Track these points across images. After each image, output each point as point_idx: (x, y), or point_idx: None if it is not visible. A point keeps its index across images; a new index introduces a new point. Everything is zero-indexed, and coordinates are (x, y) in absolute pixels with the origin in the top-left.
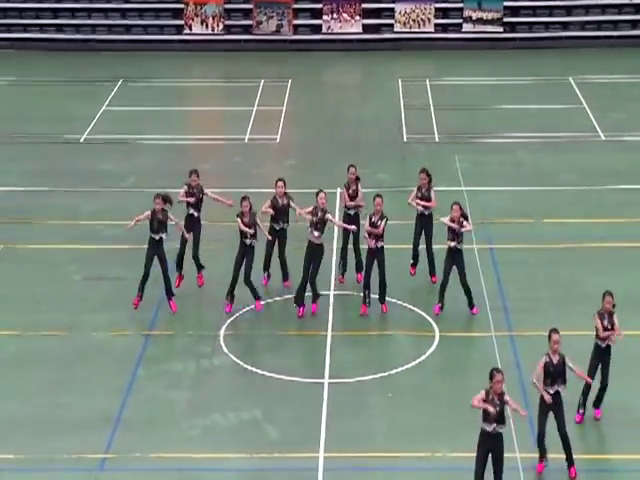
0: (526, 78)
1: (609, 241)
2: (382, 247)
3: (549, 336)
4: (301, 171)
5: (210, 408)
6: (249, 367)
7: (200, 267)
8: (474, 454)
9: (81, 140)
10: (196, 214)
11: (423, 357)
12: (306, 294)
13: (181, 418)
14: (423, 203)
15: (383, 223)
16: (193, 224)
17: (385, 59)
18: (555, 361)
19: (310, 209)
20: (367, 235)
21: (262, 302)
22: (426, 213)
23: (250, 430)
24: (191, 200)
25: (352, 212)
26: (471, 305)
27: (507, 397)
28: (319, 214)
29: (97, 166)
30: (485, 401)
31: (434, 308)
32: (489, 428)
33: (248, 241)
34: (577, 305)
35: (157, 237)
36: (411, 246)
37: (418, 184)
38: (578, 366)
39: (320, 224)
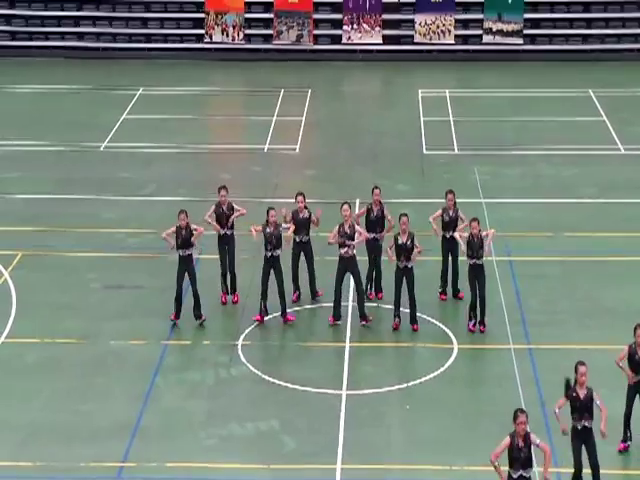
0: (546, 90)
1: (629, 255)
2: (412, 267)
3: (575, 368)
4: (321, 181)
5: (227, 418)
6: (267, 377)
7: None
8: (491, 467)
9: (101, 148)
10: (228, 232)
11: (441, 369)
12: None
13: (198, 428)
14: (463, 237)
15: (415, 243)
16: (227, 242)
17: (405, 70)
18: (582, 395)
19: (335, 231)
20: (395, 257)
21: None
22: (456, 236)
23: (267, 441)
24: (217, 227)
25: (377, 237)
26: (482, 322)
27: (533, 437)
28: (347, 230)
29: (117, 174)
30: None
31: (468, 325)
32: (515, 475)
33: (269, 253)
34: (597, 319)
35: (183, 253)
36: (432, 261)
37: (443, 206)
38: (604, 403)
39: (350, 239)
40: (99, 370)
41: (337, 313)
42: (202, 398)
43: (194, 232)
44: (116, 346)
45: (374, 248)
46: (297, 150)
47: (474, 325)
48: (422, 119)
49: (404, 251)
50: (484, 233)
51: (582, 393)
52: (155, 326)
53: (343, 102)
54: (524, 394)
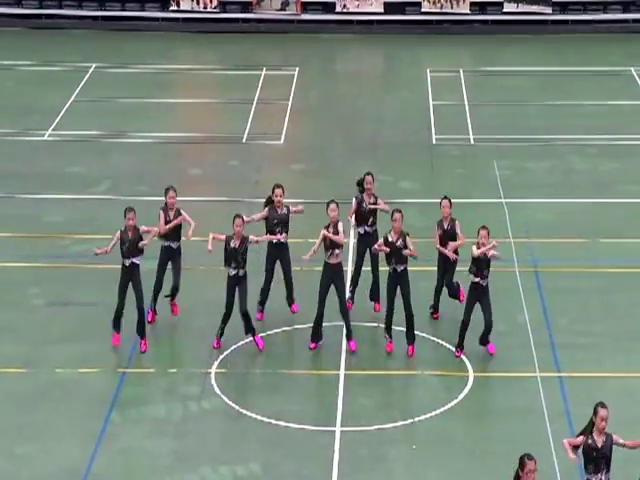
0: (580, 69)
1: None
2: (405, 270)
3: (595, 411)
4: (310, 177)
5: (198, 460)
6: (245, 411)
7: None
8: None
9: (45, 137)
10: (174, 245)
11: (454, 402)
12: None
13: (163, 472)
14: (451, 253)
15: (409, 244)
16: (171, 255)
17: (411, 45)
18: (600, 443)
19: (318, 241)
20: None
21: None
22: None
23: None
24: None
25: (370, 230)
26: (485, 342)
27: None
28: (332, 232)
29: (64, 168)
30: None
31: (456, 351)
32: None
33: (233, 271)
34: (638, 341)
35: (128, 263)
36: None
37: (440, 217)
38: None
39: (336, 249)
40: (42, 404)
41: (318, 334)
42: (167, 437)
43: (143, 235)
44: (63, 375)
45: (365, 244)
46: (282, 140)
47: (461, 351)
48: (431, 103)
49: (394, 252)
50: (490, 247)
51: (600, 441)
52: (110, 351)
53: (337, 83)
54: (553, 431)
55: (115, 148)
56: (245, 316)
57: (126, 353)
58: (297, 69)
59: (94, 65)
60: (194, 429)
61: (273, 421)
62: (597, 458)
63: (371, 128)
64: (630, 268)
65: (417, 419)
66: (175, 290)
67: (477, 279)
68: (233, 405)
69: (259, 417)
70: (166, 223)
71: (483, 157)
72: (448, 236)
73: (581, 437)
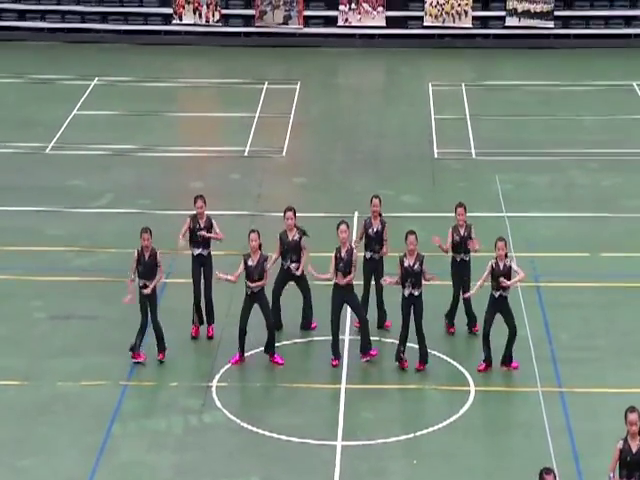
0: (581, 83)
1: None
2: (421, 294)
3: (625, 416)
4: (312, 191)
5: (199, 475)
6: (247, 425)
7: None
8: None
9: (47, 150)
10: (205, 252)
11: (456, 416)
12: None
13: None
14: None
15: (425, 268)
16: (203, 264)
17: (413, 59)
18: (635, 448)
19: (331, 270)
20: (400, 283)
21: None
22: (466, 259)
23: None
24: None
25: (376, 256)
26: (509, 359)
27: None
28: (344, 256)
29: (65, 181)
30: None
31: (479, 365)
32: None
33: (249, 290)
34: None
35: (142, 283)
36: (446, 287)
37: (454, 224)
38: None
39: (347, 269)
40: (43, 417)
41: (337, 352)
42: (168, 450)
43: (158, 264)
44: (64, 388)
45: (373, 269)
46: (284, 154)
47: (488, 365)
48: (433, 117)
49: (411, 276)
50: (511, 262)
51: (635, 445)
52: (112, 364)
53: (338, 97)
54: (554, 446)
55: (117, 161)
56: (271, 331)
57: (127, 366)
58: (299, 83)
59: (96, 79)
60: (195, 443)
61: (274, 435)
62: (631, 463)
63: (372, 142)
64: (632, 283)
65: (418, 433)
66: (210, 311)
67: (498, 292)
68: (234, 419)
69: (260, 431)
70: (193, 231)
71: (485, 171)
72: (464, 243)
73: (616, 453)
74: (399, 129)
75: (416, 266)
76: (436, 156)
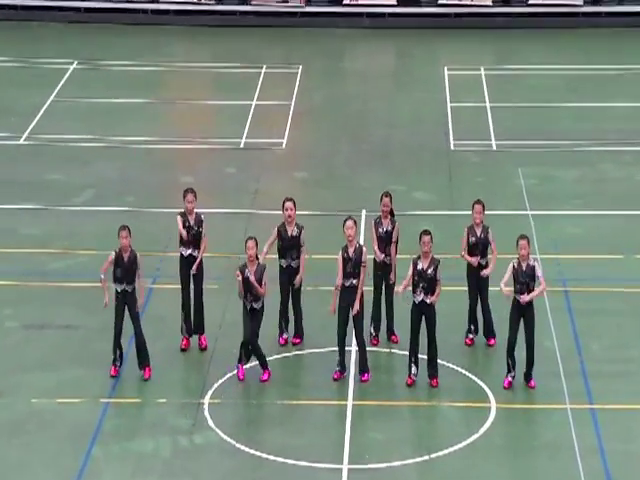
0: (614, 67)
1: None
2: (433, 302)
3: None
4: (315, 187)
5: None
6: (242, 447)
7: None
8: None
9: (21, 141)
10: (196, 253)
11: (475, 436)
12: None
13: None
14: (474, 260)
15: (439, 276)
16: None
17: (427, 40)
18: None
19: (339, 274)
20: (411, 288)
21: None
22: (483, 262)
23: None
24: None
25: (387, 260)
26: (529, 376)
27: None
28: (352, 256)
29: (41, 176)
30: None
31: (505, 381)
32: None
33: (249, 305)
34: None
35: (120, 289)
36: (461, 294)
37: (470, 223)
38: None
39: (356, 270)
40: (16, 438)
41: (342, 364)
42: (155, 475)
43: (138, 273)
44: (39, 406)
45: (383, 275)
46: (283, 146)
47: (512, 379)
48: (449, 105)
49: (423, 281)
50: (535, 263)
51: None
52: (92, 379)
53: (344, 83)
54: (585, 469)
55: (99, 154)
56: (247, 347)
57: (109, 381)
58: (300, 67)
59: (75, 62)
60: (185, 467)
61: (272, 457)
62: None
63: (382, 132)
64: None
65: (433, 455)
66: (200, 319)
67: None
68: (228, 440)
69: (257, 453)
70: (185, 229)
71: (506, 165)
72: (481, 246)
73: None
74: (411, 118)
75: (430, 270)
76: (452, 148)
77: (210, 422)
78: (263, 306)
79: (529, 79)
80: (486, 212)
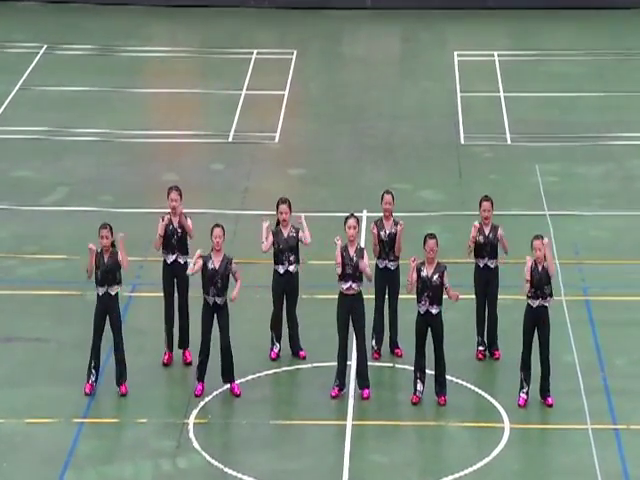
0: None
1: None
2: (440, 313)
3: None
4: (311, 185)
5: None
6: (230, 471)
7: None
8: None
9: None
10: (181, 260)
11: (486, 460)
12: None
13: None
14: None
15: (446, 282)
16: (176, 275)
17: (434, 22)
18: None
19: (339, 259)
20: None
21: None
22: (492, 266)
23: None
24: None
25: (391, 265)
26: (546, 392)
27: None
28: (353, 256)
29: (8, 172)
30: None
31: (519, 399)
32: None
33: (211, 299)
34: None
35: (102, 292)
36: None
37: (479, 221)
38: None
39: (357, 273)
40: None
41: (342, 380)
42: None
43: (120, 262)
44: (7, 427)
45: (386, 283)
46: (276, 139)
47: (527, 396)
48: (459, 94)
49: (428, 289)
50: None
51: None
52: (64, 397)
53: (344, 69)
54: None
55: (72, 147)
56: (226, 352)
57: (84, 400)
58: (295, 52)
59: (45, 46)
60: None
61: None
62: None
63: (386, 125)
64: None
65: None
66: (185, 333)
67: (537, 301)
68: (215, 463)
69: (247, 478)
70: (166, 232)
71: (522, 160)
72: (489, 246)
73: None
74: (418, 109)
75: (435, 277)
76: (463, 142)
77: (195, 444)
78: (227, 303)
79: (548, 65)
80: (500, 213)
